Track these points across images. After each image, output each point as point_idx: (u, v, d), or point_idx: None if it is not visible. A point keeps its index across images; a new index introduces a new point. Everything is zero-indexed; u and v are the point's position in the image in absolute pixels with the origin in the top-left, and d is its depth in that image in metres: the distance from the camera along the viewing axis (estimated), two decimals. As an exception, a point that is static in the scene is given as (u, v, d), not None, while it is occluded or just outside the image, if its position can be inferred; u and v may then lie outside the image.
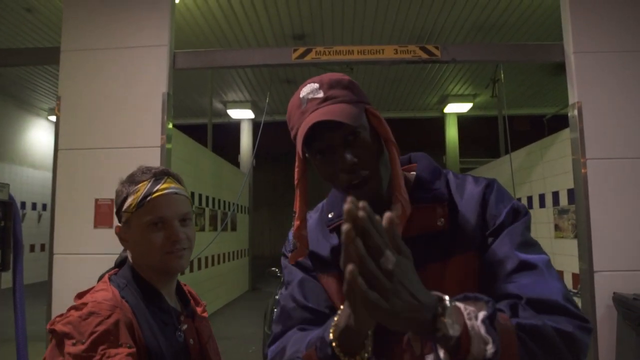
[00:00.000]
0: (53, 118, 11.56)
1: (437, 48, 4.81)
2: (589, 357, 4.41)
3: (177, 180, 1.28)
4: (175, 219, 1.20)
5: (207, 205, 7.96)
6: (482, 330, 0.70)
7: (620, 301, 4.11)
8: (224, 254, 9.25)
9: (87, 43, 4.95)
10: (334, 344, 0.83)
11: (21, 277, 2.85)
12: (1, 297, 2.99)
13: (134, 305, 1.15)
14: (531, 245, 0.95)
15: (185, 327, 1.24)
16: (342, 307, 0.85)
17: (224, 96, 10.85)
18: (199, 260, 7.41)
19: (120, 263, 1.31)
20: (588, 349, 0.84)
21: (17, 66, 7.59)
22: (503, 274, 0.90)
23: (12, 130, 10.38)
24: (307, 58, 4.87)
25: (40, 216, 11.64)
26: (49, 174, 11.38)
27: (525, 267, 0.89)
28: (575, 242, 4.86)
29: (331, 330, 0.84)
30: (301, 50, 4.89)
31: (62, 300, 4.61)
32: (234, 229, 9.98)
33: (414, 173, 1.08)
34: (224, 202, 9.11)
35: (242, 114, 11.69)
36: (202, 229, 7.66)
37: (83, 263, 4.64)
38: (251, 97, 11.00)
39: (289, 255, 1.10)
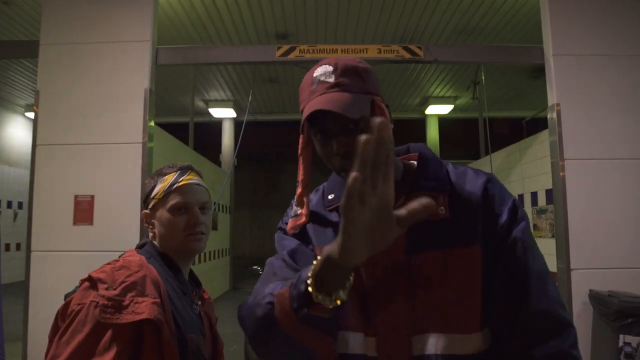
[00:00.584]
0: (30, 114, 11.32)
1: (420, 48, 4.86)
2: (566, 353, 4.51)
3: (199, 174, 1.48)
4: (196, 206, 1.38)
5: (188, 203, 7.90)
6: None
7: (595, 298, 4.21)
8: (205, 253, 9.18)
9: (67, 37, 4.87)
10: (309, 281, 0.79)
11: (-2, 272, 2.79)
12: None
13: (159, 271, 1.28)
14: (533, 248, 1.03)
15: (199, 303, 1.38)
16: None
17: (206, 95, 10.77)
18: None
19: (141, 247, 1.44)
20: None
21: None
22: (513, 286, 0.97)
23: (-14, 126, 10.17)
24: (291, 56, 4.88)
25: (16, 215, 11.37)
26: (25, 172, 11.19)
27: (531, 277, 0.98)
28: (553, 241, 4.96)
29: (311, 267, 0.80)
30: (285, 48, 4.90)
31: (39, 298, 4.53)
32: (215, 228, 9.91)
33: (414, 162, 1.10)
34: (205, 201, 9.05)
35: (223, 113, 11.62)
36: (183, 228, 7.61)
37: (62, 260, 4.55)
38: (233, 96, 10.94)
39: (290, 219, 1.12)
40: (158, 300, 1.16)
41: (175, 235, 1.35)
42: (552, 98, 4.79)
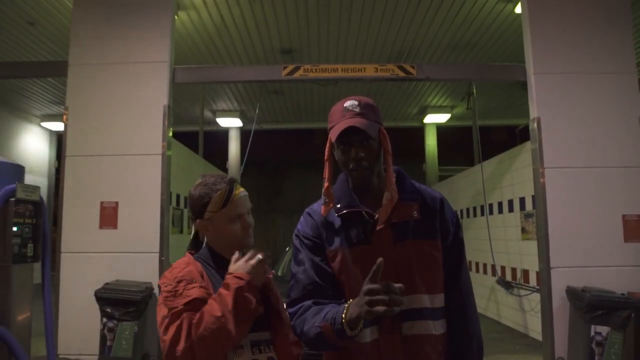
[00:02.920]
0: (46, 125, 11.83)
1: (413, 67, 5.35)
2: (546, 343, 4.96)
3: (240, 184, 1.75)
4: (246, 213, 1.68)
5: (198, 209, 8.38)
6: None
7: (571, 293, 4.67)
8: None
9: (93, 58, 5.37)
10: (343, 321, 1.33)
11: (49, 268, 3.28)
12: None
13: (204, 266, 1.64)
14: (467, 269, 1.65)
15: None
16: (350, 301, 1.36)
17: (214, 105, 11.27)
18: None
19: (194, 245, 1.78)
20: None
21: (24, 78, 7.93)
22: (457, 278, 1.58)
23: (5, 136, 10.64)
24: (296, 75, 5.37)
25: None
26: (41, 179, 11.71)
27: (464, 270, 1.61)
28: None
29: (343, 314, 1.34)
30: (290, 67, 5.39)
31: (69, 295, 4.99)
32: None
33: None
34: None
35: (230, 122, 12.11)
36: (194, 232, 8.10)
37: (89, 261, 5.03)
38: (240, 107, 11.44)
39: (322, 205, 1.59)
40: (204, 283, 1.55)
41: (235, 238, 1.65)
42: (533, 112, 5.26)
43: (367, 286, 1.25)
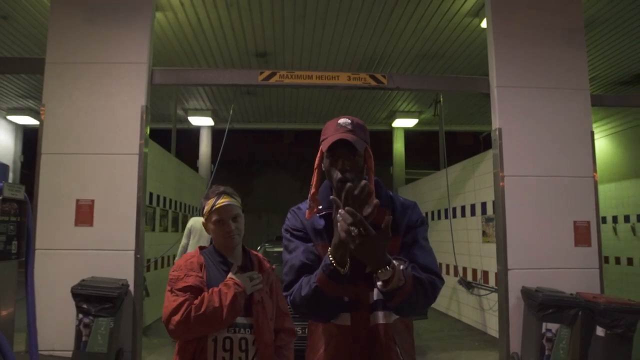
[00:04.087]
0: (12, 118, 11.61)
1: (384, 77, 5.62)
2: (502, 339, 5.31)
3: (230, 195, 2.13)
4: (229, 219, 2.07)
5: (170, 207, 8.43)
6: (401, 273, 1.50)
7: (526, 293, 5.03)
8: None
9: (71, 57, 5.42)
10: (331, 259, 1.50)
11: (32, 265, 3.35)
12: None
13: (207, 259, 2.11)
14: (426, 239, 1.80)
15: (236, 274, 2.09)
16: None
17: (186, 103, 11.31)
18: (162, 259, 7.89)
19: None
20: (439, 291, 1.69)
21: (2, 74, 7.81)
22: (412, 250, 1.73)
23: (-32, 128, 10.43)
24: (272, 80, 5.56)
25: None
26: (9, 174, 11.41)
27: (421, 248, 1.74)
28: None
29: (329, 254, 1.50)
30: (267, 73, 5.57)
31: (44, 291, 5.02)
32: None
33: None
34: (185, 205, 9.58)
35: (202, 121, 12.16)
36: (166, 230, 8.14)
37: (64, 258, 5.08)
38: (212, 106, 11.51)
39: (307, 210, 1.75)
40: (201, 273, 2.05)
41: (218, 239, 2.11)
42: (495, 122, 5.61)
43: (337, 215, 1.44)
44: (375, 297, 1.66)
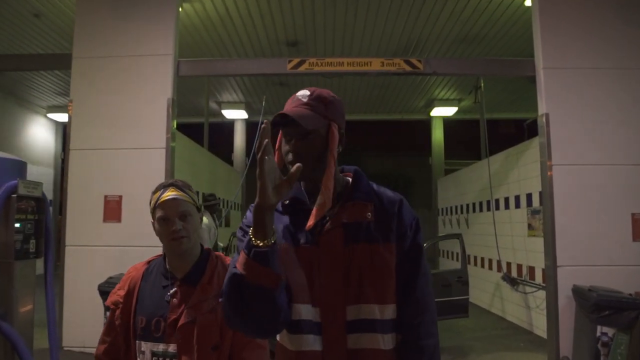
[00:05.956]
0: (51, 116, 11.86)
1: (420, 61, 5.27)
2: (551, 342, 4.92)
3: (181, 188, 1.72)
4: (175, 216, 1.67)
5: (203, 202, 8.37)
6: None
7: (578, 292, 4.61)
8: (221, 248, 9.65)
9: (97, 51, 5.34)
10: (250, 234, 1.17)
11: (52, 263, 3.27)
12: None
13: (149, 270, 1.79)
14: (425, 257, 1.43)
15: (174, 290, 1.71)
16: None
17: (219, 97, 11.24)
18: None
19: None
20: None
21: (29, 71, 7.93)
22: (415, 280, 1.38)
23: (12, 127, 10.67)
24: (301, 68, 5.31)
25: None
26: (47, 170, 11.76)
27: (424, 277, 1.40)
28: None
29: (250, 230, 1.18)
30: (295, 61, 5.33)
31: (73, 287, 5.01)
32: (227, 224, 10.39)
33: (349, 179, 1.44)
34: (219, 198, 9.52)
35: (236, 114, 12.08)
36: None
37: (93, 254, 5.04)
38: (245, 99, 11.40)
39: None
40: (122, 292, 1.74)
41: (163, 241, 1.69)
42: (542, 107, 5.18)
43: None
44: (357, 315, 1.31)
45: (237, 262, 1.20)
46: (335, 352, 1.30)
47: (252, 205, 1.35)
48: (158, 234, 1.68)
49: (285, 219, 1.38)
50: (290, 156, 1.32)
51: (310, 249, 1.33)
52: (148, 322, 1.68)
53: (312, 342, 1.30)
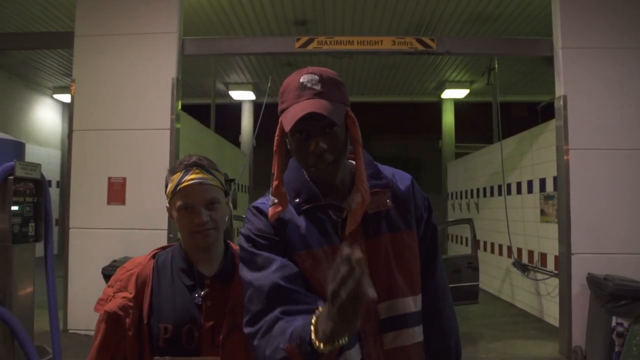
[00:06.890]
0: (58, 97, 11.74)
1: (432, 40, 5.08)
2: (563, 330, 4.80)
3: (207, 169, 1.42)
4: (201, 205, 1.37)
5: (209, 184, 8.28)
6: None
7: (593, 281, 4.47)
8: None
9: (99, 29, 5.20)
10: (315, 342, 0.96)
11: (52, 247, 3.19)
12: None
13: (161, 267, 1.46)
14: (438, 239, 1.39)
15: (205, 290, 1.42)
16: (319, 310, 0.99)
17: (226, 78, 11.05)
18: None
19: None
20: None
21: (32, 49, 7.79)
22: (434, 265, 1.34)
23: (18, 107, 10.59)
24: (310, 47, 5.14)
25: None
26: (54, 151, 11.71)
27: (440, 261, 1.37)
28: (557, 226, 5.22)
29: (312, 329, 0.97)
30: (304, 39, 5.15)
31: (77, 270, 4.95)
32: (235, 207, 10.32)
33: (353, 162, 1.27)
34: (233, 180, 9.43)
35: (243, 96, 11.90)
36: (205, 207, 8.03)
37: (97, 237, 4.97)
38: (253, 79, 11.21)
39: (270, 207, 1.23)
40: (129, 295, 1.38)
41: (183, 233, 1.42)
42: (559, 89, 4.98)
43: (330, 288, 0.90)
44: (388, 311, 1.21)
45: (285, 348, 1.02)
46: (373, 356, 1.19)
47: (252, 205, 1.27)
48: (178, 224, 1.40)
49: (301, 221, 1.22)
50: (313, 158, 1.16)
51: (333, 248, 1.18)
52: (176, 331, 1.38)
53: (354, 356, 1.16)
